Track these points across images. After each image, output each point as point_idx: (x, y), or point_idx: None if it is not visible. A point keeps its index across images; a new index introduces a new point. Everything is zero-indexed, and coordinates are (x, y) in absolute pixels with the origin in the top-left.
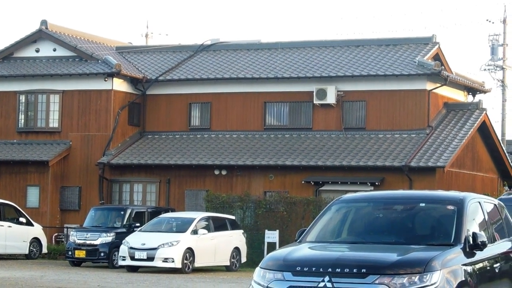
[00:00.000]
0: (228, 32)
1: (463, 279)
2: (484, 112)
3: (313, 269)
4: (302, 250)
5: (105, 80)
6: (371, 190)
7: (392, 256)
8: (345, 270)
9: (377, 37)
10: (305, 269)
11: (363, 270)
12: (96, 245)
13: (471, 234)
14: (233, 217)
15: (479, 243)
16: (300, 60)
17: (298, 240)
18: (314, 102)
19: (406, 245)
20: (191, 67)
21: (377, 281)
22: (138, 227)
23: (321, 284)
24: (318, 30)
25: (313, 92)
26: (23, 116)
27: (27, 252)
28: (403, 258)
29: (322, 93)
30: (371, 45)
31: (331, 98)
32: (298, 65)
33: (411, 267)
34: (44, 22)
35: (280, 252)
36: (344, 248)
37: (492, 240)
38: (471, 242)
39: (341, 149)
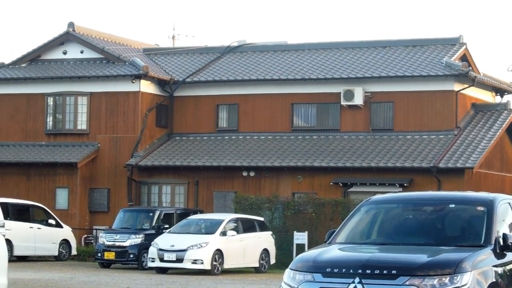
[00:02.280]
0: (254, 34)
1: (494, 280)
2: None
3: (343, 270)
4: (332, 252)
5: (133, 82)
6: (399, 191)
7: (422, 257)
8: (376, 272)
9: (404, 38)
10: (335, 270)
11: (394, 272)
12: (125, 247)
13: (501, 235)
14: (261, 219)
15: (510, 244)
16: (327, 61)
17: (328, 242)
18: (342, 103)
19: (436, 246)
20: (218, 68)
21: (407, 283)
22: (167, 228)
23: (352, 286)
24: (345, 31)
25: (340, 93)
26: (51, 118)
27: (56, 253)
28: (433, 259)
29: (349, 94)
30: (398, 46)
31: (358, 99)
32: (325, 66)
33: (442, 268)
34: (71, 24)
35: (310, 254)
36: (374, 250)
37: None
38: (502, 243)
39: (369, 150)
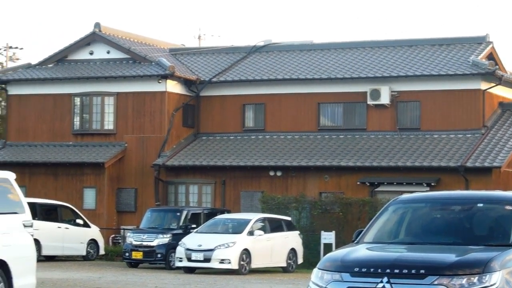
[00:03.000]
0: (280, 33)
1: None
2: None
3: (371, 270)
4: (360, 251)
5: (159, 82)
6: (427, 191)
7: (450, 257)
8: (404, 271)
9: (430, 37)
10: (363, 270)
11: (422, 271)
12: (153, 247)
13: None
14: (289, 218)
15: None
16: (354, 61)
17: (356, 241)
18: (368, 102)
19: (464, 245)
20: (244, 68)
21: (436, 282)
22: (194, 228)
23: (380, 285)
24: (371, 30)
25: (367, 92)
26: (78, 118)
27: (84, 253)
28: (462, 258)
29: (376, 94)
30: (424, 45)
31: (385, 99)
32: (352, 65)
33: (470, 267)
34: (97, 25)
35: (338, 253)
36: (402, 249)
37: None
38: None
39: (396, 149)
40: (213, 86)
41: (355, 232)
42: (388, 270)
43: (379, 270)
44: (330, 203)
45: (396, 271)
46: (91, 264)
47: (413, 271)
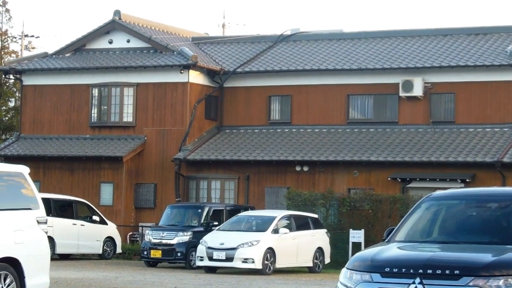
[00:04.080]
0: (308, 22)
1: None
2: None
3: (403, 270)
4: (390, 250)
5: (181, 72)
6: (461, 187)
7: (486, 257)
8: (437, 272)
9: (465, 26)
10: (394, 270)
11: (456, 272)
12: (172, 245)
13: None
14: (315, 216)
15: None
16: (385, 51)
17: (386, 240)
18: (400, 94)
19: (501, 245)
20: (270, 58)
21: (471, 283)
22: (216, 225)
23: (412, 286)
24: (403, 19)
25: (399, 84)
26: (96, 110)
27: (100, 252)
28: (498, 258)
29: (408, 85)
30: (459, 34)
31: (418, 90)
32: (383, 55)
33: (507, 268)
34: (117, 13)
35: (368, 252)
36: (435, 248)
37: None
38: None
39: (429, 144)
40: (238, 77)
41: (386, 231)
42: (420, 271)
43: (411, 271)
44: (359, 200)
45: (429, 271)
46: (108, 263)
47: (447, 272)
